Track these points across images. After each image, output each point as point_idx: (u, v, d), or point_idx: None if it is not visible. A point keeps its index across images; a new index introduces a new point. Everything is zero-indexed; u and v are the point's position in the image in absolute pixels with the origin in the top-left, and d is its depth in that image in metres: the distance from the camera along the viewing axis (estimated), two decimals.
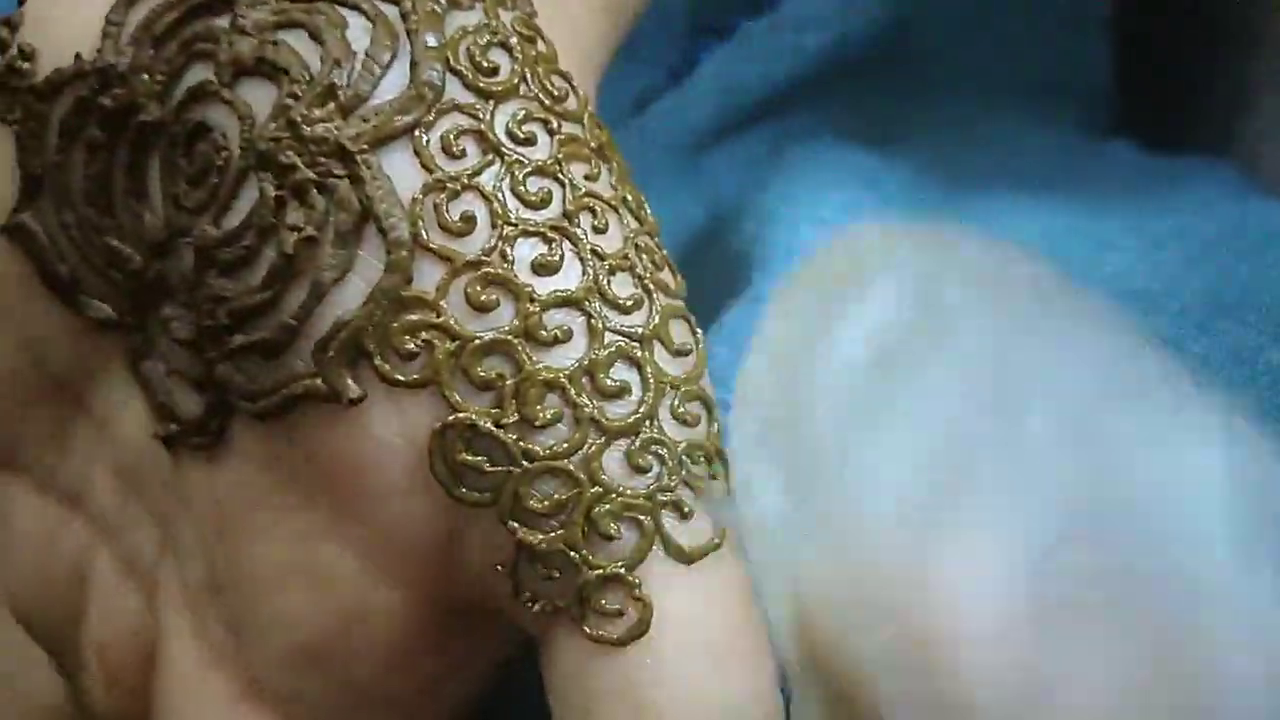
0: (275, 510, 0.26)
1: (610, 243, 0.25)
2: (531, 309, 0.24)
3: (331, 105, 0.24)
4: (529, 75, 0.25)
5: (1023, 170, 0.38)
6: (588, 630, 0.24)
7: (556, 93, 0.26)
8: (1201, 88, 0.41)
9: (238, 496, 0.26)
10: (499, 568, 0.24)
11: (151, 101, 0.26)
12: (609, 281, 0.25)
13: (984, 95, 0.40)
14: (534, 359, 0.24)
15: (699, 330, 0.26)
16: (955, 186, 0.37)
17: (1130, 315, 0.31)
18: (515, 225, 0.24)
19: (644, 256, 0.25)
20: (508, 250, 0.24)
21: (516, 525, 0.24)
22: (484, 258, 0.24)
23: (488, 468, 0.24)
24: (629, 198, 0.26)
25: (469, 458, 0.24)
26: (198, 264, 0.25)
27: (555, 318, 0.24)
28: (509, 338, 0.24)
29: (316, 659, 0.26)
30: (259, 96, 0.25)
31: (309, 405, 0.24)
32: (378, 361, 0.24)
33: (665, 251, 0.26)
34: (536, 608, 0.24)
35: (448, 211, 0.24)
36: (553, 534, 0.24)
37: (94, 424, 0.29)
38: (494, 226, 0.24)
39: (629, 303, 0.25)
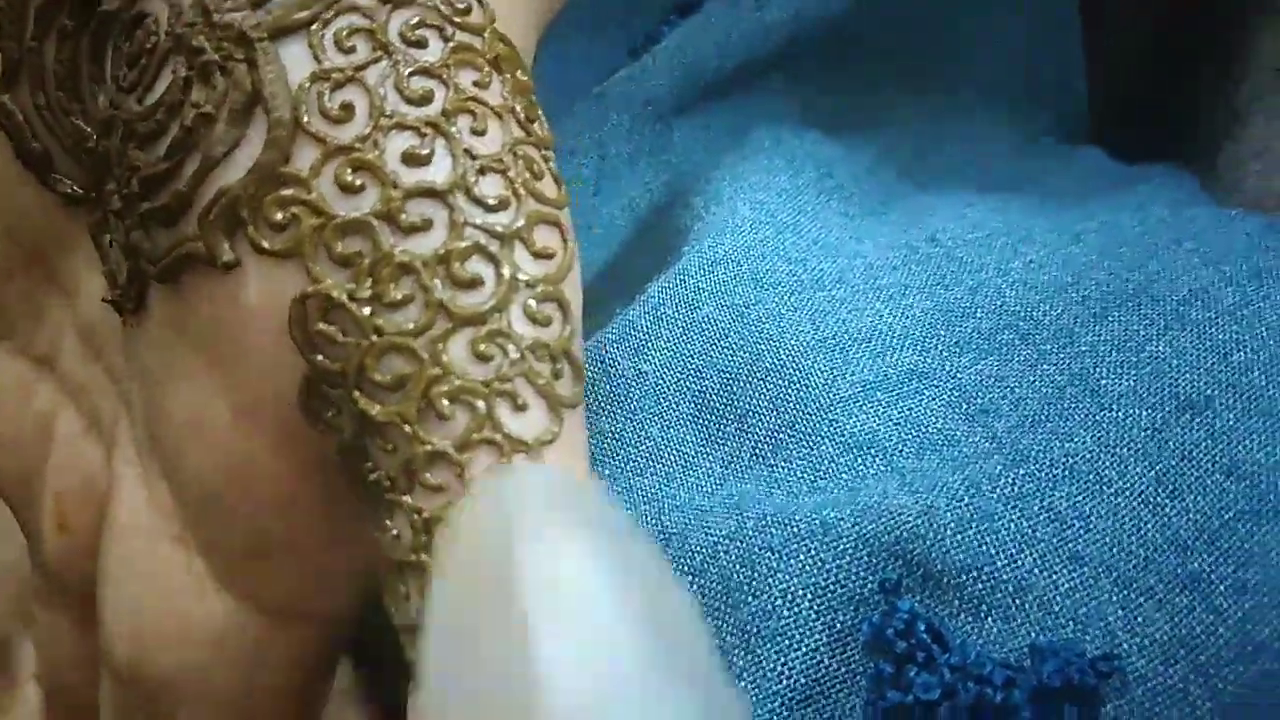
0: (178, 372, 0.28)
1: (487, 145, 0.26)
2: (394, 195, 0.25)
3: None
4: None
5: (980, 166, 0.38)
6: (407, 501, 0.25)
7: (460, 5, 0.27)
8: (1189, 108, 0.41)
9: (155, 358, 0.28)
10: (347, 434, 0.26)
11: None
12: (477, 180, 0.26)
13: (951, 91, 0.40)
14: (392, 242, 0.25)
15: (571, 238, 0.27)
16: (907, 177, 0.38)
17: (1032, 306, 0.31)
18: (390, 117, 0.26)
19: (521, 163, 0.27)
20: (380, 139, 0.26)
21: (359, 395, 0.25)
22: (357, 145, 0.26)
23: (340, 338, 0.25)
24: (519, 109, 0.28)
25: (324, 327, 0.26)
26: (122, 137, 0.28)
27: (417, 206, 0.26)
28: (369, 219, 0.25)
29: (219, 508, 0.28)
30: None
31: (195, 268, 0.27)
32: (250, 230, 0.26)
33: (553, 165, 0.28)
34: (374, 476, 0.26)
35: (329, 99, 0.26)
36: (390, 406, 0.25)
37: (63, 293, 0.32)
38: (370, 117, 0.26)
39: (494, 202, 0.26)
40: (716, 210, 0.35)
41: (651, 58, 0.38)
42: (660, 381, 0.33)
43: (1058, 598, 0.27)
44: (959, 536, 0.27)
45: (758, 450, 0.31)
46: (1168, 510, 0.27)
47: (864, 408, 0.30)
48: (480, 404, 0.25)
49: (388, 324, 0.25)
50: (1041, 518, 0.27)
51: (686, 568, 0.29)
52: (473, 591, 0.20)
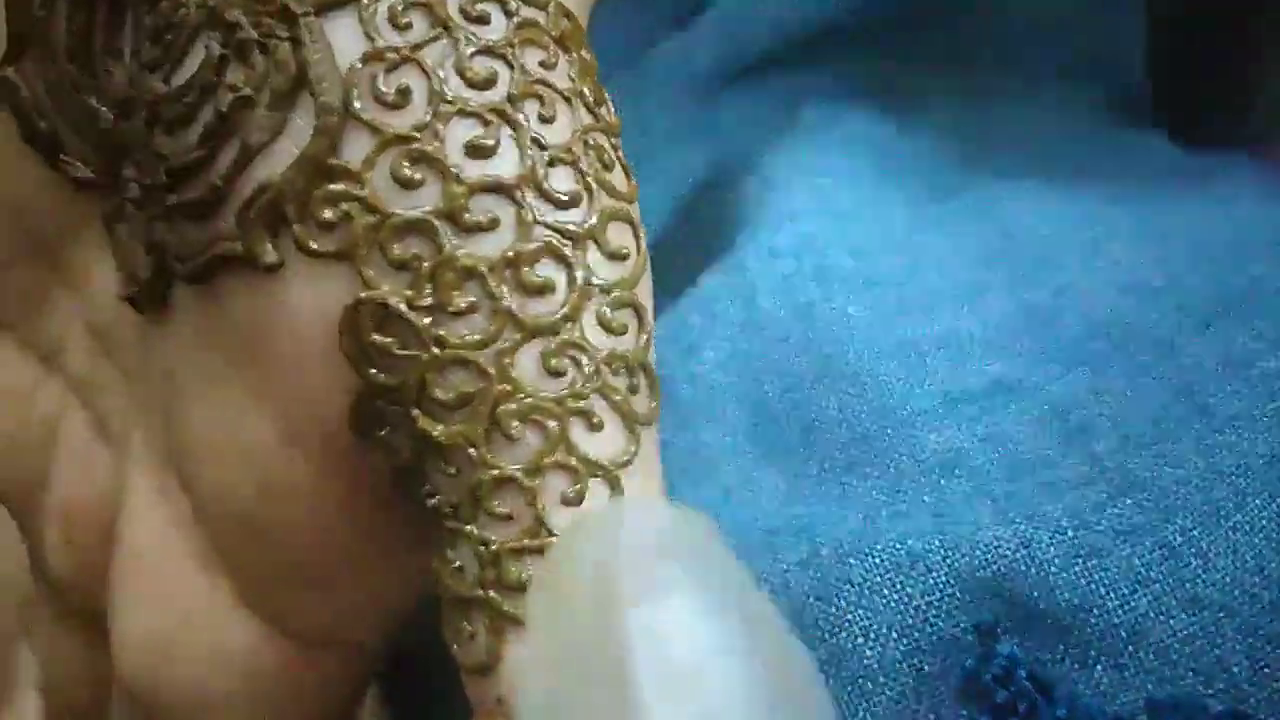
0: (209, 379, 0.25)
1: (556, 134, 0.24)
2: (458, 191, 0.23)
3: None
4: None
5: (1040, 152, 0.36)
6: (473, 531, 0.23)
7: None
8: (1251, 84, 0.38)
9: (180, 364, 0.26)
10: (404, 455, 0.24)
11: None
12: (547, 173, 0.23)
13: (1007, 70, 0.37)
14: (455, 243, 0.23)
15: (643, 236, 0.25)
16: (968, 163, 0.35)
17: (1125, 312, 0.29)
18: (452, 103, 0.23)
19: (591, 153, 0.24)
20: (440, 128, 0.23)
21: (419, 413, 0.23)
22: (414, 133, 0.23)
23: (397, 350, 0.23)
24: (587, 92, 0.25)
25: (379, 338, 0.23)
26: (147, 120, 0.25)
27: (483, 203, 0.23)
28: (430, 218, 0.23)
29: (249, 530, 0.26)
30: None
31: (231, 269, 0.24)
32: (296, 229, 0.23)
33: (622, 154, 0.25)
34: (433, 502, 0.23)
35: (384, 83, 0.23)
36: (454, 427, 0.23)
37: (71, 285, 0.29)
38: (430, 103, 0.23)
39: (565, 197, 0.23)
40: (771, 196, 0.33)
41: (697, 29, 0.35)
42: (715, 384, 0.30)
43: (1176, 644, 0.24)
44: (1065, 574, 0.25)
45: (826, 465, 0.28)
46: None
47: (946, 422, 0.28)
48: (553, 424, 0.22)
49: (451, 335, 0.22)
50: (1156, 554, 0.25)
51: None
52: (574, 665, 0.17)
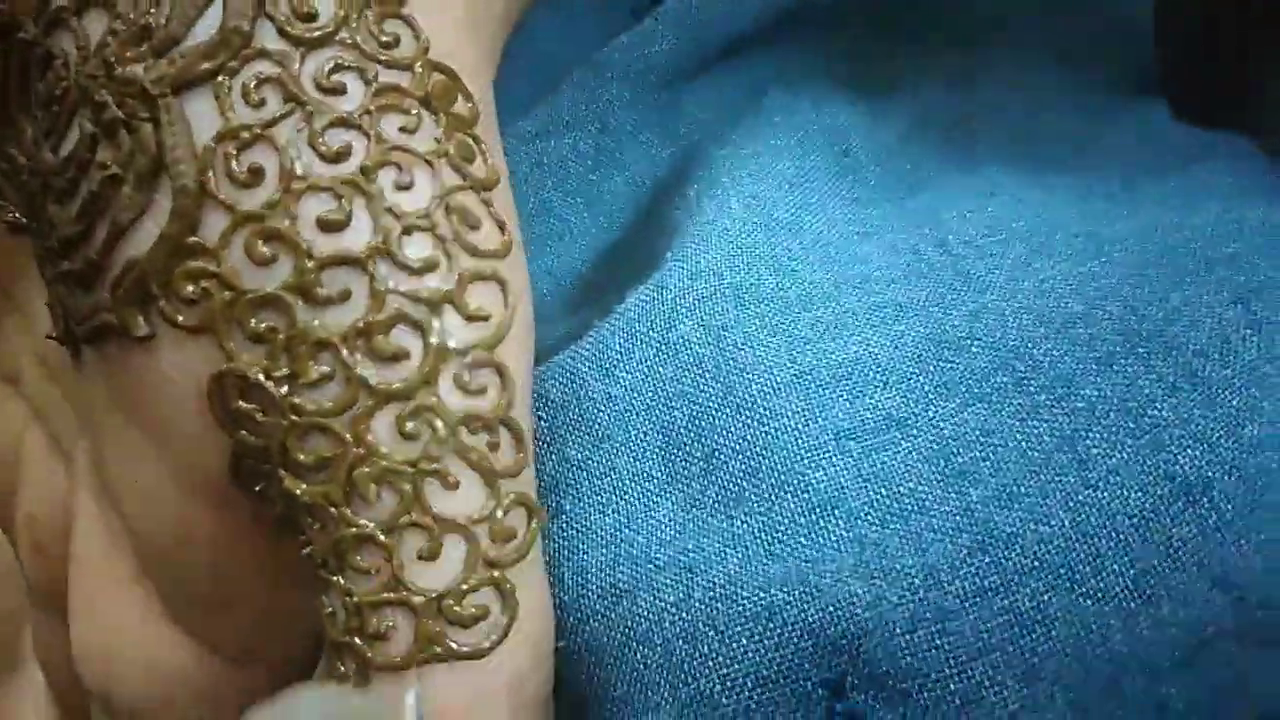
0: (112, 426, 0.27)
1: (413, 200, 0.24)
2: (309, 266, 0.24)
3: (145, 45, 0.24)
4: (353, 20, 0.24)
5: (1024, 136, 0.35)
6: (339, 582, 0.24)
7: (385, 39, 0.25)
8: (1263, 69, 0.36)
9: (93, 406, 0.27)
10: (278, 509, 0.25)
11: (29, 20, 0.26)
12: (401, 242, 0.24)
13: (1001, 53, 0.36)
14: (307, 317, 0.24)
15: (516, 291, 0.25)
16: (939, 149, 0.34)
17: (1034, 344, 0.28)
18: (303, 179, 0.24)
19: (454, 216, 0.25)
20: (292, 205, 0.24)
21: (284, 474, 0.24)
22: (266, 211, 0.24)
23: (260, 417, 0.24)
24: (453, 151, 0.25)
25: (243, 405, 0.24)
26: (41, 188, 0.26)
27: (335, 277, 0.24)
28: (282, 294, 0.24)
29: (167, 561, 0.28)
30: (97, 28, 0.25)
31: (112, 336, 0.25)
32: (162, 304, 0.24)
33: (494, 207, 0.26)
34: (306, 552, 0.25)
35: (237, 162, 0.24)
36: (315, 487, 0.24)
37: (22, 316, 0.31)
38: (280, 180, 0.24)
39: (419, 265, 0.24)
40: (707, 204, 0.32)
41: (656, 19, 0.35)
42: (630, 408, 0.30)
43: (1005, 717, 0.24)
44: (909, 636, 0.25)
45: (720, 497, 0.29)
46: (1140, 621, 0.24)
47: (833, 459, 0.28)
48: (406, 486, 0.24)
49: (307, 403, 0.24)
50: (1000, 620, 0.25)
51: (632, 633, 0.27)
52: None
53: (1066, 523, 0.25)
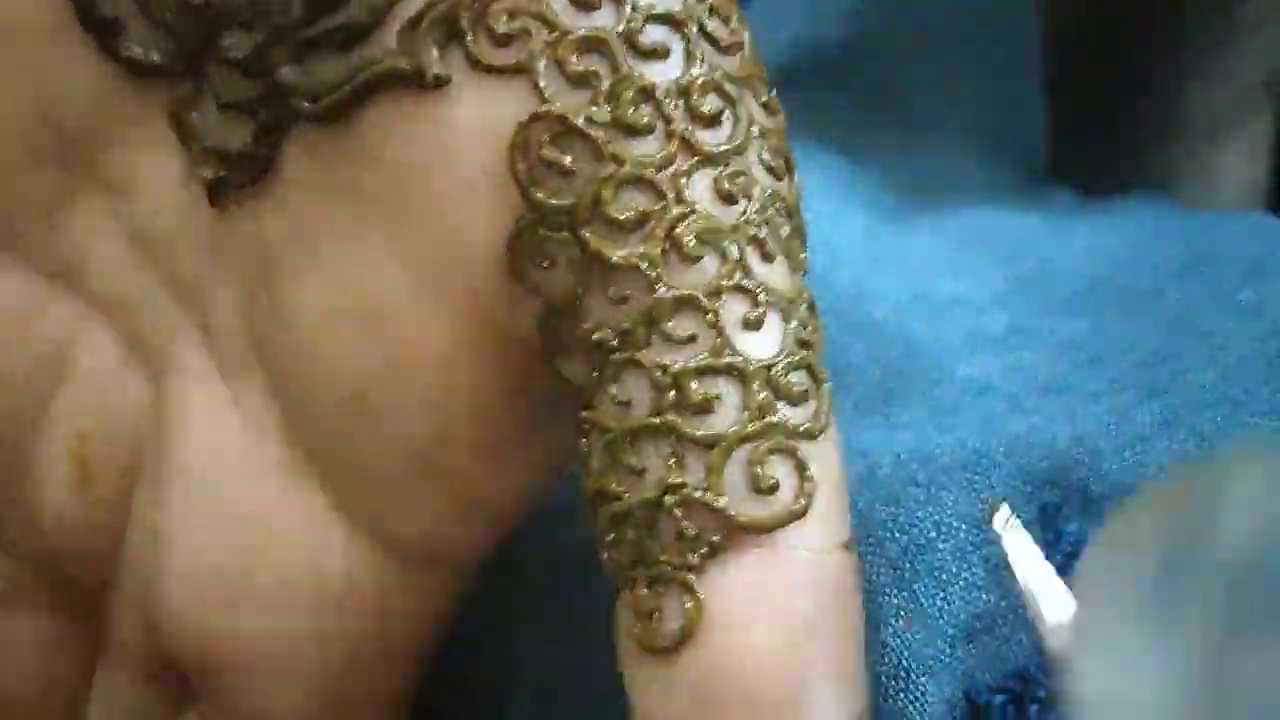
0: (324, 244, 0.24)
1: None
2: (633, 15, 0.23)
3: None
4: None
5: (964, 203, 0.38)
6: (647, 356, 0.22)
7: None
8: (1145, 132, 0.42)
9: (286, 236, 0.25)
10: (561, 291, 0.23)
11: None
12: (709, 17, 0.24)
13: (926, 126, 0.40)
14: (631, 64, 0.23)
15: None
16: (913, 199, 0.38)
17: (1109, 274, 0.31)
18: None
19: (736, 16, 0.25)
20: None
21: (589, 235, 0.23)
22: None
23: (572, 166, 0.23)
24: None
25: (553, 154, 0.23)
26: None
27: (654, 33, 0.23)
28: (607, 36, 0.23)
29: (365, 412, 0.25)
30: None
31: (383, 95, 0.23)
32: (469, 43, 0.23)
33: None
34: (596, 337, 0.23)
35: None
36: (629, 249, 0.23)
37: (106, 192, 0.26)
38: None
39: (725, 43, 0.24)
40: None
41: None
42: None
43: None
44: (1114, 461, 0.27)
45: (860, 405, 0.30)
46: None
47: (972, 358, 0.30)
48: (732, 248, 0.23)
49: (628, 153, 0.23)
50: (1192, 441, 0.27)
51: None
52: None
53: (1214, 374, 0.28)
